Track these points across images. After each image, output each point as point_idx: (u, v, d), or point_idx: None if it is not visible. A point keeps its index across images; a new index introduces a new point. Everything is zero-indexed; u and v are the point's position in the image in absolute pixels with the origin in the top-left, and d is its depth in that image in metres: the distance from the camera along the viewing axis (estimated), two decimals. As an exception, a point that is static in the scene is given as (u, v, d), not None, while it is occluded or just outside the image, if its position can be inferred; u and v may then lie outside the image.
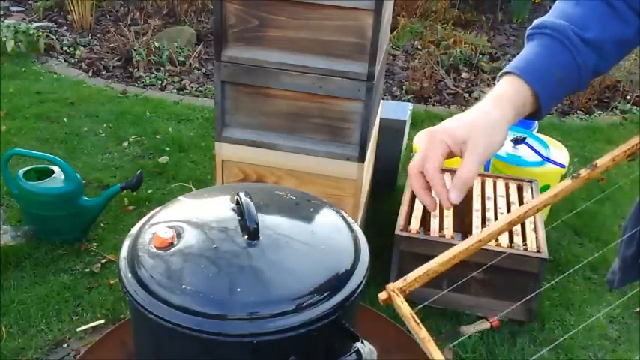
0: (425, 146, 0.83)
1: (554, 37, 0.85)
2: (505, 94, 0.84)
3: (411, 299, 0.87)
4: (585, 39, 0.84)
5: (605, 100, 4.15)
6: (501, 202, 2.37)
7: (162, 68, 4.21)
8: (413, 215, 2.30)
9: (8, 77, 3.89)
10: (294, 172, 2.09)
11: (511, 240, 2.17)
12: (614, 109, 4.04)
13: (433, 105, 3.95)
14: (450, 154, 0.82)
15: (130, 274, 1.12)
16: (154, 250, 1.14)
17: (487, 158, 0.80)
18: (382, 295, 0.81)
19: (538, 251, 2.11)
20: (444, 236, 2.18)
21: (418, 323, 0.78)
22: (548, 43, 0.85)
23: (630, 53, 0.92)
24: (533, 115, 0.87)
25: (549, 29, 0.86)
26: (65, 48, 4.47)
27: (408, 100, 3.87)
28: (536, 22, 0.89)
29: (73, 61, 4.31)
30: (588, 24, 0.85)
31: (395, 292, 0.80)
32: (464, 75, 4.34)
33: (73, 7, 4.69)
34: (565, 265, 2.48)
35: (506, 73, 0.86)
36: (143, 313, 1.06)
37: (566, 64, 0.84)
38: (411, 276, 0.82)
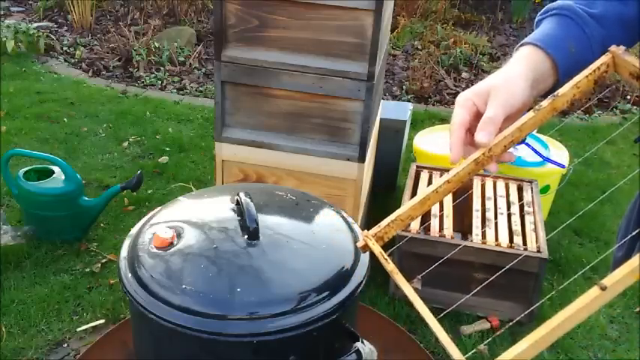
0: (455, 107, 0.88)
1: (563, 15, 0.92)
2: (523, 56, 0.90)
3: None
4: (592, 13, 0.91)
5: (605, 100, 4.15)
6: (501, 202, 2.37)
7: (162, 68, 4.21)
8: (413, 215, 2.29)
9: (8, 77, 3.89)
10: (294, 172, 2.09)
11: (511, 240, 2.17)
12: (614, 109, 4.04)
13: (433, 105, 3.95)
14: (477, 113, 0.85)
15: (130, 274, 1.12)
16: (154, 250, 1.14)
17: (510, 107, 0.83)
18: (359, 244, 0.87)
19: (538, 251, 2.11)
20: (444, 236, 2.18)
21: (386, 259, 0.85)
22: (558, 19, 0.92)
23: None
24: (554, 87, 0.91)
25: (558, 9, 0.93)
26: (65, 48, 4.47)
27: (408, 100, 3.87)
28: (544, 8, 0.96)
29: (73, 61, 4.31)
30: (593, 1, 0.92)
31: (369, 237, 0.87)
32: (464, 75, 4.34)
33: (73, 7, 4.69)
34: (565, 265, 2.48)
35: (523, 44, 0.92)
36: (143, 313, 1.06)
37: (577, 35, 0.90)
38: (384, 222, 0.86)
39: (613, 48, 0.84)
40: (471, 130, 0.85)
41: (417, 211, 0.86)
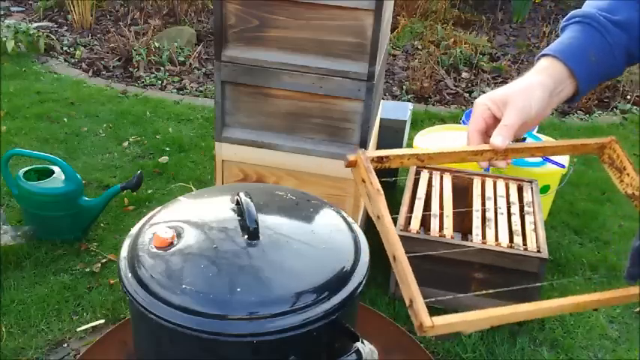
0: (472, 111, 0.92)
1: (585, 23, 0.93)
2: (543, 67, 0.92)
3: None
4: (614, 21, 0.92)
5: (605, 100, 4.15)
6: (501, 202, 2.37)
7: (162, 68, 4.21)
8: (413, 215, 2.29)
9: (8, 77, 3.89)
10: (294, 172, 2.09)
11: (511, 240, 2.17)
12: (614, 109, 4.03)
13: (433, 105, 3.95)
14: (493, 117, 0.90)
15: (130, 274, 1.12)
16: (154, 250, 1.14)
17: (526, 115, 0.87)
18: (350, 157, 0.82)
19: (538, 251, 2.11)
20: (444, 236, 2.18)
21: (371, 182, 0.81)
22: (580, 27, 0.94)
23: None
24: (575, 95, 0.94)
25: (580, 17, 0.95)
26: (65, 48, 4.46)
27: (408, 100, 3.87)
28: (568, 15, 0.98)
29: (73, 61, 4.31)
30: (616, 9, 0.93)
31: (362, 154, 0.82)
32: (464, 75, 4.34)
33: (73, 7, 4.69)
34: (565, 265, 2.48)
35: (543, 55, 0.94)
36: (143, 313, 1.06)
37: (599, 44, 0.92)
38: (385, 152, 0.85)
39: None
40: (487, 133, 0.89)
41: (411, 160, 0.86)
